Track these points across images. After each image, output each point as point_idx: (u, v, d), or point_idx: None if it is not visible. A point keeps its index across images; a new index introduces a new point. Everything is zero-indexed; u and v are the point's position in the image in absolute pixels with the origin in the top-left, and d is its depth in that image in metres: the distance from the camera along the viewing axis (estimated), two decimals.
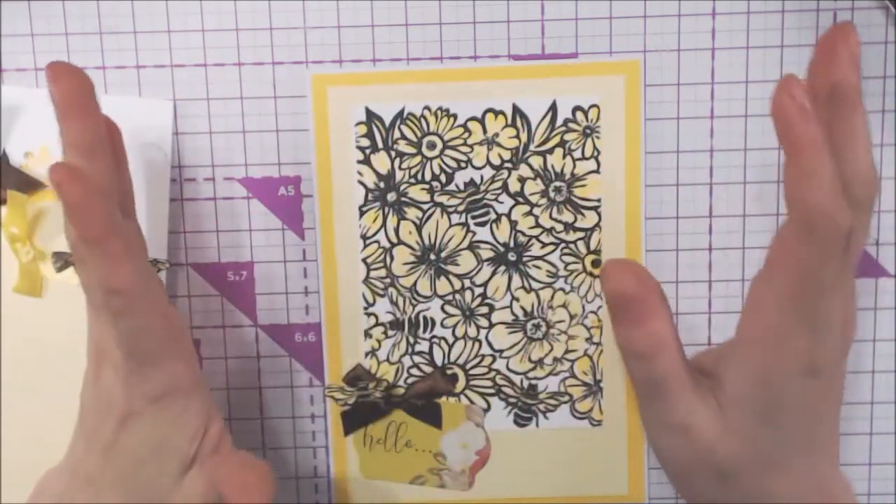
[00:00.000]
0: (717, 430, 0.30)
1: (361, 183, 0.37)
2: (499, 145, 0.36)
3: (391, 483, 0.38)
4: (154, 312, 0.30)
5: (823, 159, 0.26)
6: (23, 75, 0.36)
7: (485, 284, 0.37)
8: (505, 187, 0.36)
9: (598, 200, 0.37)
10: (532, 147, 0.36)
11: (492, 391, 0.38)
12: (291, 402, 0.38)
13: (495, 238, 0.37)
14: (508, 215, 0.37)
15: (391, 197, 0.37)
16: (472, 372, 0.38)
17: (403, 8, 0.36)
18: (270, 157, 0.37)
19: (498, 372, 0.38)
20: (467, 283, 0.37)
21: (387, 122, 0.36)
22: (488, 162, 0.36)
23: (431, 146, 0.36)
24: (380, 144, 0.36)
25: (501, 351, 0.37)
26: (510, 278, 0.37)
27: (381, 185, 0.37)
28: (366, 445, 0.38)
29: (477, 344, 0.37)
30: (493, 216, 0.37)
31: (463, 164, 0.36)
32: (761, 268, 0.29)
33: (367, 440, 0.38)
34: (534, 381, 0.38)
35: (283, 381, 0.38)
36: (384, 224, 0.37)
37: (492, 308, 0.37)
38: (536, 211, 0.37)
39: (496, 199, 0.37)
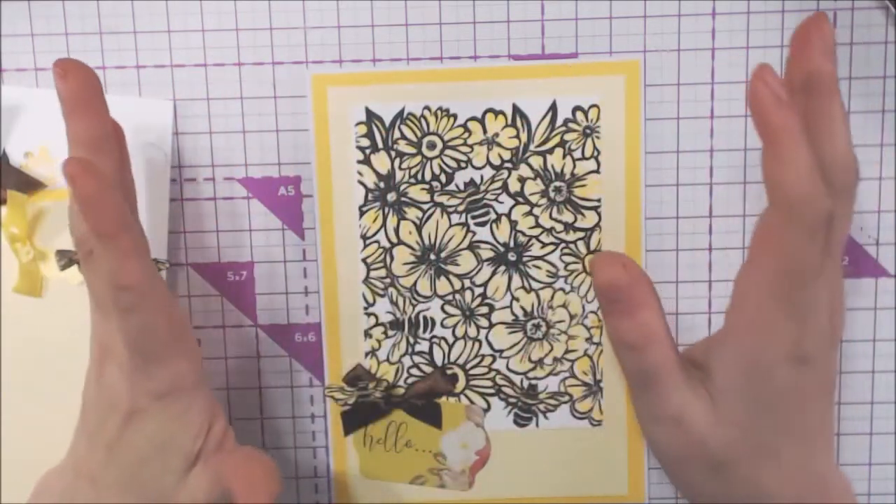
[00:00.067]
0: (708, 421, 0.30)
1: (361, 183, 0.37)
2: (499, 145, 0.36)
3: (391, 483, 0.38)
4: (161, 309, 0.30)
5: (799, 146, 0.26)
6: (23, 75, 0.36)
7: (485, 284, 0.37)
8: (505, 187, 0.36)
9: (598, 200, 0.37)
10: (532, 147, 0.36)
11: (492, 391, 0.38)
12: (291, 402, 0.38)
13: (495, 238, 0.37)
14: (508, 215, 0.37)
15: (391, 197, 0.37)
16: (472, 372, 0.38)
17: (403, 8, 0.36)
18: (270, 157, 0.37)
19: (498, 372, 0.38)
20: (467, 283, 0.37)
21: (387, 122, 0.36)
22: (488, 162, 0.36)
23: (431, 146, 0.36)
24: (380, 144, 0.36)
25: (501, 351, 0.37)
26: (510, 278, 0.37)
27: (381, 185, 0.37)
28: (366, 445, 0.38)
29: (477, 344, 0.37)
30: (493, 216, 0.37)
31: (463, 164, 0.36)
32: (746, 258, 0.29)
33: (367, 440, 0.38)
34: (534, 381, 0.38)
35: (283, 381, 0.38)
36: (384, 224, 0.37)
37: (492, 308, 0.37)
38: (536, 211, 0.37)
39: (496, 199, 0.37)
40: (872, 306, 0.37)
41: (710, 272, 0.37)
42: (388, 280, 0.37)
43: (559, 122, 0.36)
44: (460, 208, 0.37)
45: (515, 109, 0.36)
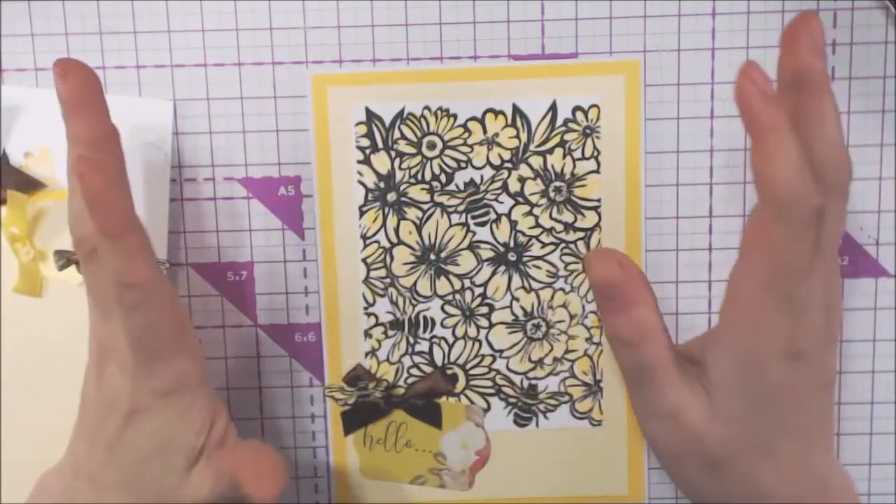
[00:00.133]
0: (704, 417, 0.30)
1: (361, 183, 0.37)
2: (499, 145, 0.36)
3: (391, 483, 0.38)
4: (165, 307, 0.30)
5: (787, 142, 0.27)
6: (23, 75, 0.36)
7: (485, 284, 0.37)
8: (505, 187, 0.36)
9: (598, 200, 0.37)
10: (532, 147, 0.36)
11: (492, 391, 0.38)
12: (291, 402, 0.38)
13: (495, 238, 0.37)
14: (508, 215, 0.37)
15: (391, 197, 0.37)
16: (472, 372, 0.38)
17: (403, 8, 0.36)
18: (270, 157, 0.37)
19: (498, 372, 0.38)
20: (467, 283, 0.37)
21: (387, 122, 0.36)
22: (488, 162, 0.36)
23: (431, 146, 0.36)
24: (380, 144, 0.36)
25: (501, 351, 0.37)
26: (510, 278, 0.37)
27: (381, 185, 0.37)
28: (366, 445, 0.38)
29: (477, 344, 0.37)
30: (493, 216, 0.37)
31: (463, 164, 0.36)
32: (739, 254, 0.30)
33: (367, 440, 0.38)
34: (534, 381, 0.38)
35: (283, 381, 0.38)
36: (384, 224, 0.37)
37: (492, 308, 0.37)
38: (536, 211, 0.37)
39: (496, 199, 0.37)
40: (872, 306, 0.37)
41: (710, 272, 0.37)
42: (388, 280, 0.37)
43: (559, 122, 0.36)
44: (460, 208, 0.37)
45: (515, 109, 0.36)
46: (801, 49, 0.28)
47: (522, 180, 0.36)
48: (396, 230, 0.37)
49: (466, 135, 0.36)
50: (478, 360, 0.38)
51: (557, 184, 0.36)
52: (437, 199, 0.37)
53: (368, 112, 0.36)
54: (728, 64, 0.36)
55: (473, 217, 0.37)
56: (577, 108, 0.36)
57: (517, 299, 0.37)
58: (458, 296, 0.37)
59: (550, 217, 0.37)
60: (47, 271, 0.36)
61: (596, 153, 0.36)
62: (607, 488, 0.38)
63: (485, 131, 0.36)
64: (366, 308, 0.37)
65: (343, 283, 0.37)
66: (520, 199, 0.37)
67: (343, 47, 0.36)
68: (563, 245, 0.37)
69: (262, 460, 0.32)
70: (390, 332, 0.37)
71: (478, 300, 0.37)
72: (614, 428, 0.38)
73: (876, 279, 0.37)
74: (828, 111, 0.28)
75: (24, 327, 0.37)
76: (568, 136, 0.36)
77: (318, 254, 0.37)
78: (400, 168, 0.36)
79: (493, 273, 0.37)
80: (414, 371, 0.38)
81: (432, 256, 0.37)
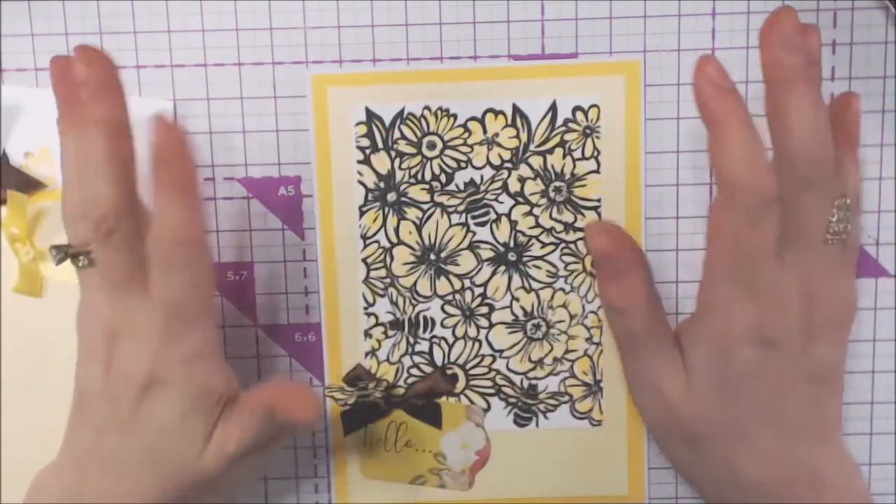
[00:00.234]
0: (681, 394, 0.32)
1: (361, 183, 0.37)
2: (499, 145, 0.36)
3: (391, 483, 0.38)
4: (209, 268, 0.31)
5: (736, 132, 0.28)
6: (23, 75, 0.36)
7: (485, 284, 0.37)
8: (505, 187, 0.36)
9: (598, 200, 0.37)
10: (532, 147, 0.36)
11: (492, 391, 0.38)
12: None
13: (495, 238, 0.37)
14: (508, 215, 0.37)
15: (391, 197, 0.37)
16: (472, 372, 0.38)
17: (403, 8, 0.36)
18: (270, 157, 0.37)
19: (498, 372, 0.38)
20: (467, 283, 0.37)
21: (387, 122, 0.36)
22: (488, 162, 0.36)
23: (431, 146, 0.36)
24: (380, 144, 0.36)
25: (501, 351, 0.37)
26: (510, 278, 0.37)
27: (381, 185, 0.37)
28: (366, 445, 0.38)
29: (477, 344, 0.37)
30: (493, 216, 0.37)
31: (463, 164, 0.36)
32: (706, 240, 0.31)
33: (367, 440, 0.38)
34: (534, 381, 0.38)
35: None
36: (384, 224, 0.37)
37: (492, 308, 0.37)
38: (536, 211, 0.37)
39: (496, 199, 0.37)
40: (872, 306, 0.37)
41: None
42: (388, 280, 0.37)
43: (559, 122, 0.36)
44: (460, 208, 0.37)
45: (515, 109, 0.36)
46: (770, 45, 0.29)
47: (522, 180, 0.36)
48: (396, 230, 0.37)
49: (466, 135, 0.36)
50: (478, 360, 0.38)
51: (557, 184, 0.36)
52: (437, 199, 0.37)
53: (368, 112, 0.36)
54: (728, 64, 0.36)
55: (473, 217, 0.37)
56: (577, 108, 0.36)
57: (517, 299, 0.37)
58: (458, 296, 0.37)
59: (550, 217, 0.37)
60: (47, 271, 0.36)
61: (596, 153, 0.36)
62: (607, 488, 0.38)
63: (485, 131, 0.36)
64: (366, 308, 0.37)
65: (343, 283, 0.37)
66: (520, 199, 0.37)
67: (343, 47, 0.36)
68: (563, 245, 0.37)
69: (293, 386, 0.34)
70: (390, 332, 0.37)
71: (478, 300, 0.37)
72: (614, 428, 0.38)
73: (876, 279, 0.37)
74: (797, 105, 0.29)
75: (24, 327, 0.37)
76: (568, 136, 0.36)
77: (318, 254, 0.37)
78: (400, 168, 0.36)
79: (493, 273, 0.37)
80: (414, 371, 0.38)
81: (432, 256, 0.37)
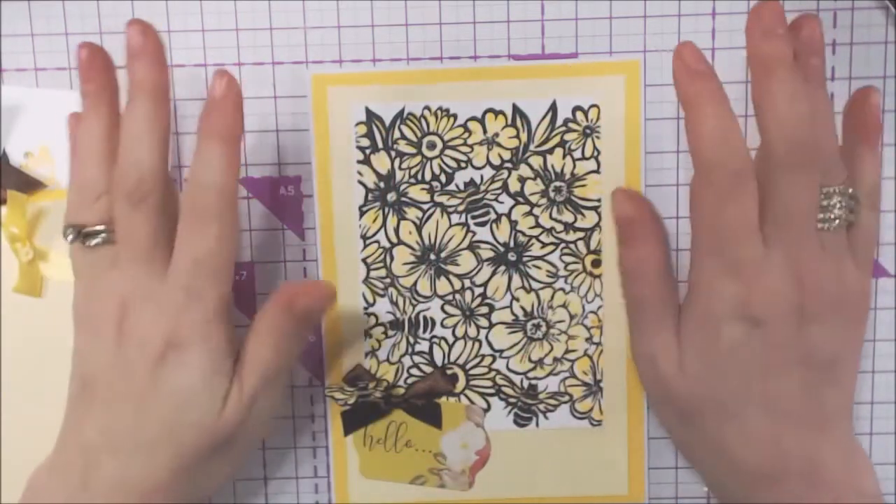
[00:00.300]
0: (674, 367, 0.33)
1: (361, 183, 0.37)
2: (499, 145, 0.36)
3: (391, 483, 0.38)
4: (235, 224, 0.31)
5: (708, 112, 0.29)
6: (23, 75, 0.36)
7: (485, 284, 0.37)
8: (505, 187, 0.36)
9: (598, 200, 0.37)
10: (532, 147, 0.36)
11: (492, 391, 0.38)
12: (291, 402, 0.38)
13: (495, 238, 0.37)
14: (508, 215, 0.37)
15: (391, 197, 0.37)
16: (472, 372, 0.38)
17: (403, 8, 0.36)
18: (270, 157, 0.37)
19: (498, 372, 0.38)
20: (467, 283, 0.37)
21: (387, 122, 0.36)
22: (488, 162, 0.36)
23: (431, 146, 0.36)
24: (380, 144, 0.36)
25: (501, 351, 0.37)
26: (510, 278, 0.37)
27: (381, 185, 0.37)
28: (366, 445, 0.38)
29: (477, 344, 0.37)
30: (493, 216, 0.37)
31: (463, 164, 0.36)
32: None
33: (367, 440, 0.38)
34: (534, 381, 0.38)
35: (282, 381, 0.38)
36: (384, 224, 0.37)
37: (492, 308, 0.37)
38: (536, 211, 0.37)
39: (496, 199, 0.37)
40: (872, 306, 0.37)
41: None
42: (388, 280, 0.37)
43: (559, 122, 0.36)
44: (460, 208, 0.37)
45: (515, 109, 0.36)
46: (752, 35, 0.30)
47: (522, 180, 0.36)
48: (396, 230, 0.37)
49: (466, 135, 0.36)
50: (478, 360, 0.38)
51: (557, 184, 0.36)
52: (437, 199, 0.37)
53: (368, 112, 0.36)
54: (728, 64, 0.36)
55: (473, 217, 0.37)
56: (577, 108, 0.36)
57: (517, 299, 0.37)
58: (458, 296, 0.37)
59: (550, 217, 0.37)
60: (47, 271, 0.36)
61: (596, 153, 0.36)
62: (607, 488, 0.38)
63: (485, 131, 0.36)
64: (366, 308, 0.37)
65: (343, 283, 0.37)
66: (520, 199, 0.37)
67: (343, 47, 0.36)
68: (563, 245, 0.37)
69: (302, 282, 0.36)
70: (390, 332, 0.37)
71: (478, 300, 0.37)
72: (614, 428, 0.38)
73: (876, 279, 0.37)
74: (777, 90, 0.29)
75: (24, 327, 0.37)
76: (568, 136, 0.36)
77: (318, 254, 0.37)
78: (400, 168, 0.36)
79: (493, 273, 0.37)
80: (414, 371, 0.38)
81: (432, 256, 0.37)
